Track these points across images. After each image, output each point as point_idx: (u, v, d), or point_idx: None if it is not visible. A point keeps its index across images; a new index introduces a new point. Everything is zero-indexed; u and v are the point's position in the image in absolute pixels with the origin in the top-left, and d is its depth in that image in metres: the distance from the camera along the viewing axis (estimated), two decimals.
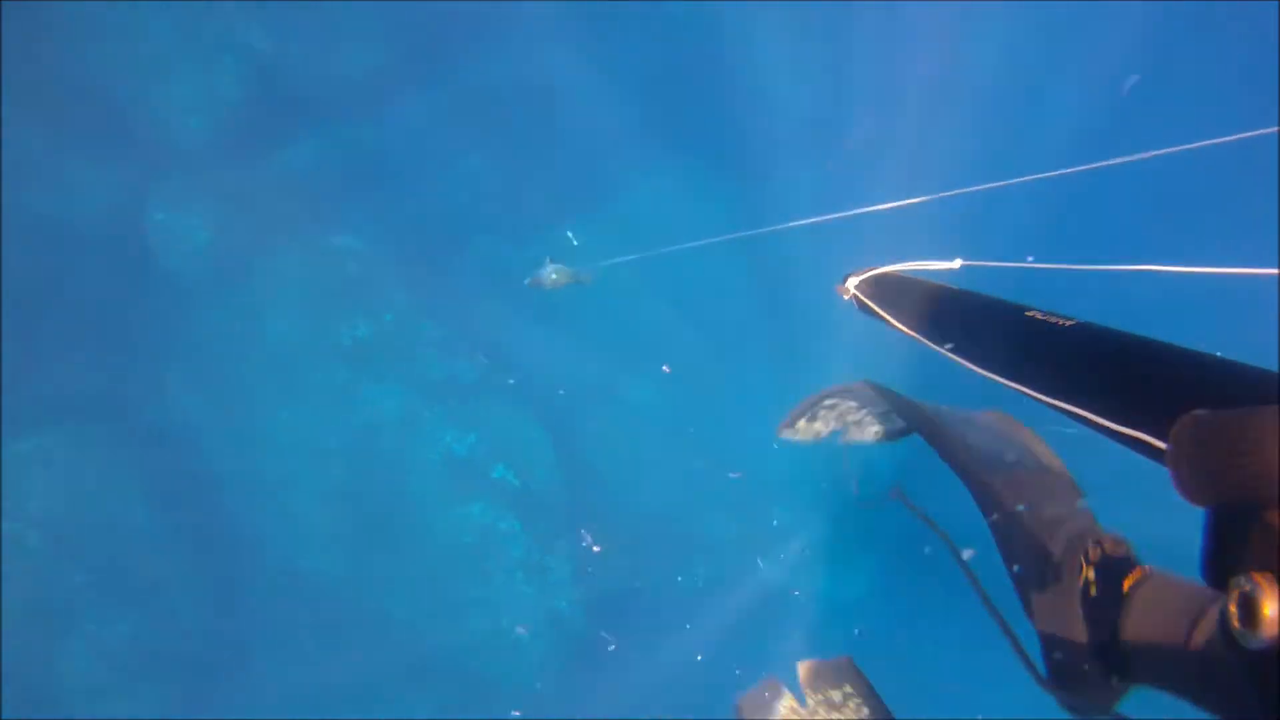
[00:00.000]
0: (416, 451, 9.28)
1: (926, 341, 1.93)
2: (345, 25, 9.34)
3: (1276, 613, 0.80)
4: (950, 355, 1.80)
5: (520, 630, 8.93)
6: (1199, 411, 0.97)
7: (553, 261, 5.65)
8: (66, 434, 8.72)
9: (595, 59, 9.34)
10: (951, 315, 1.89)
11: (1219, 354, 1.24)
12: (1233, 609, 0.84)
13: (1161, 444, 1.11)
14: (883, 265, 2.41)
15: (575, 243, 9.33)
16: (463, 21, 9.46)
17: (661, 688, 8.29)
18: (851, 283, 2.43)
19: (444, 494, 9.23)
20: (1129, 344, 1.38)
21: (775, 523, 9.17)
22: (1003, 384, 1.58)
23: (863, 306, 2.39)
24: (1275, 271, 1.39)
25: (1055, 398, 1.41)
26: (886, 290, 2.29)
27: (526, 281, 5.66)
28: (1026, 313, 1.64)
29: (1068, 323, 1.54)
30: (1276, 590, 0.81)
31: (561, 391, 9.35)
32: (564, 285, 5.63)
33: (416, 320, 9.35)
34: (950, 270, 2.26)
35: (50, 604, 8.41)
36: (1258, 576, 0.82)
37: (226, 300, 9.14)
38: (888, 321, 2.20)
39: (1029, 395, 1.50)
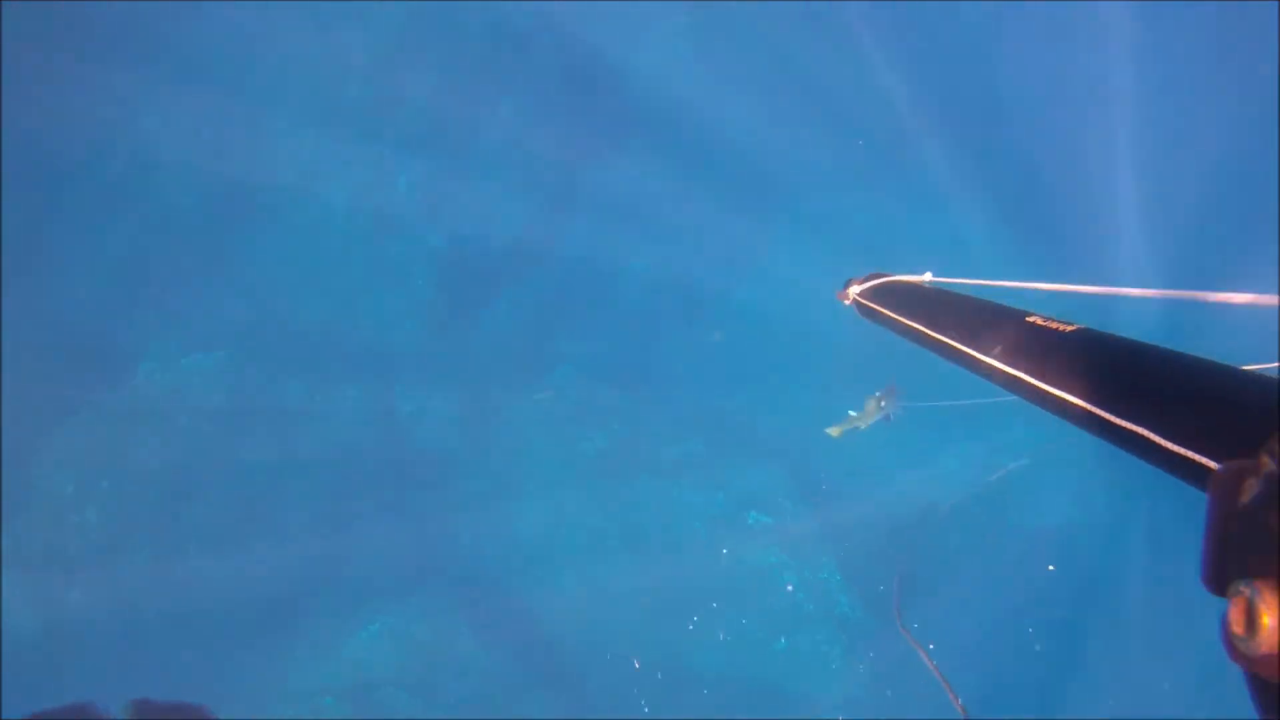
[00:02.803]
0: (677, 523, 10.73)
1: (927, 345, 1.96)
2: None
3: (1277, 620, 0.77)
4: (950, 360, 1.83)
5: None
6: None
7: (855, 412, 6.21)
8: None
9: None
10: (952, 320, 1.90)
11: (1218, 358, 1.24)
12: (1233, 615, 0.81)
13: (1161, 440, 1.14)
14: (881, 271, 2.48)
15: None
16: None
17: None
18: (853, 289, 2.46)
19: (714, 549, 10.65)
20: (1129, 349, 1.39)
21: None
22: (1002, 387, 1.61)
23: (863, 312, 2.41)
24: (1252, 298, 1.40)
25: (1054, 402, 1.43)
26: (886, 296, 2.31)
27: (830, 430, 6.32)
28: (1027, 318, 1.66)
29: (1068, 328, 1.55)
30: (1277, 597, 0.78)
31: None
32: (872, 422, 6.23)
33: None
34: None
35: None
36: (1259, 582, 0.80)
37: (482, 465, 10.64)
38: (889, 326, 2.22)
39: (1030, 400, 1.52)
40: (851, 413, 6.45)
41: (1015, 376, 1.55)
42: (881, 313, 2.27)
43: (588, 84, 11.15)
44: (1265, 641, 0.78)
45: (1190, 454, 1.10)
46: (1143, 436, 1.19)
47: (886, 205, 11.99)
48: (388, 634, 10.25)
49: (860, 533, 10.86)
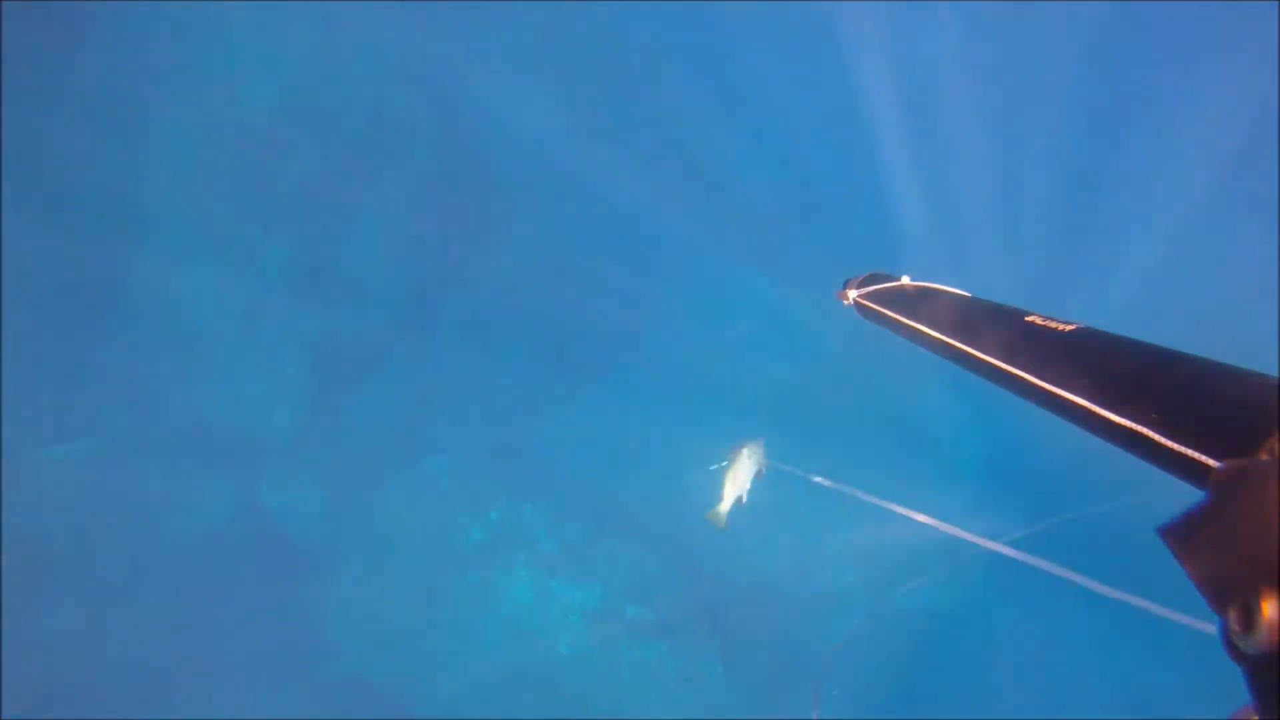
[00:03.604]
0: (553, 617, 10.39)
1: (927, 345, 1.98)
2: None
3: (1276, 618, 0.78)
4: (950, 359, 1.85)
5: None
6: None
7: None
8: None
9: None
10: (952, 319, 1.90)
11: (1219, 357, 1.24)
12: (1232, 613, 0.82)
13: (1161, 439, 1.15)
14: (880, 271, 2.51)
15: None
16: None
17: None
18: (852, 290, 2.48)
19: (591, 646, 10.31)
20: (1129, 348, 1.39)
21: None
22: (1002, 387, 1.63)
23: (863, 312, 2.44)
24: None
25: (1054, 402, 1.43)
26: (885, 296, 2.33)
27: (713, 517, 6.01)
28: (1026, 318, 1.67)
29: (1068, 327, 1.55)
30: (1275, 596, 0.79)
31: None
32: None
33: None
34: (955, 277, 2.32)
35: None
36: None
37: (354, 554, 10.28)
38: (888, 326, 2.24)
39: (1029, 399, 1.54)
40: (720, 465, 5.91)
41: (1015, 375, 1.56)
42: (881, 313, 2.28)
43: (466, 168, 11.02)
44: (1264, 640, 0.79)
45: (1191, 453, 1.10)
46: (1143, 435, 1.20)
47: (757, 280, 11.93)
48: None
49: (745, 621, 10.58)
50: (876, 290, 2.39)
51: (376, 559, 10.35)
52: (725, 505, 6.07)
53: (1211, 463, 1.06)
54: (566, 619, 10.38)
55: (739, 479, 5.90)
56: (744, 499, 6.06)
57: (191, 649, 10.03)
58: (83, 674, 9.86)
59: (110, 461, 10.18)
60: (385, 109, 10.92)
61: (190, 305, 10.52)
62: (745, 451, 5.78)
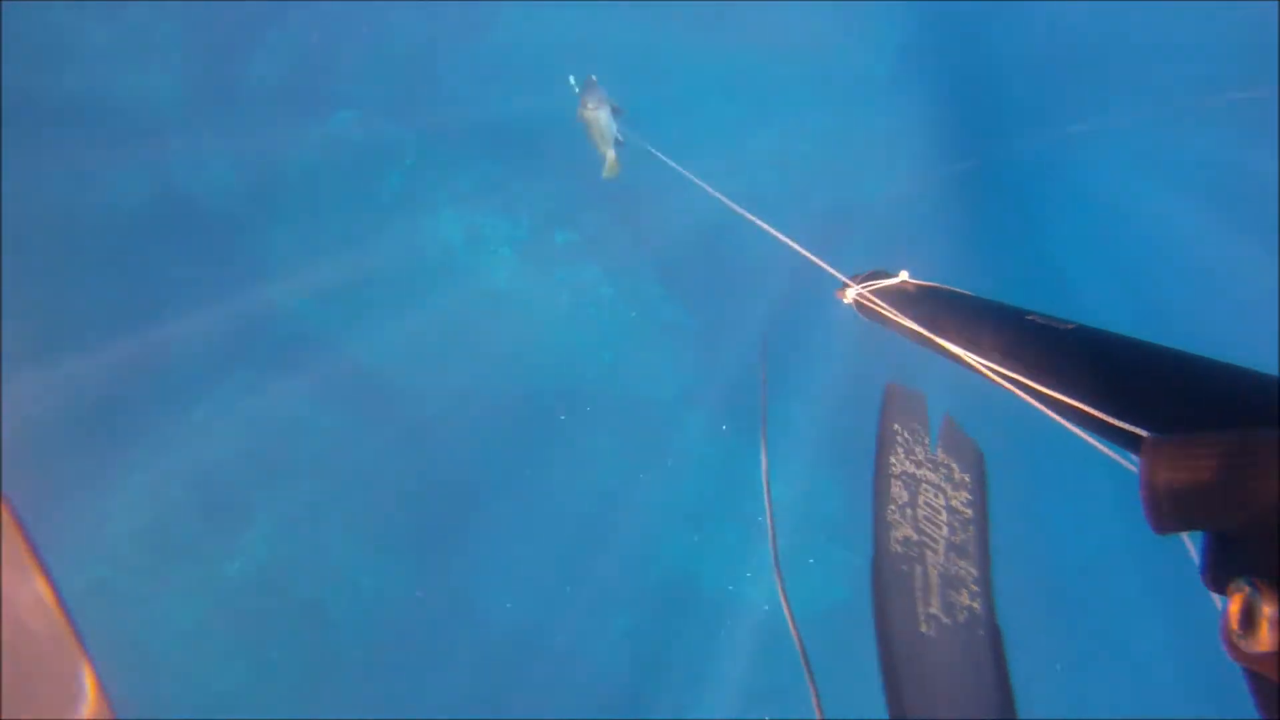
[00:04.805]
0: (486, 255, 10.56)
1: (926, 345, 1.96)
2: None
3: (1276, 618, 0.78)
4: (950, 359, 1.84)
5: None
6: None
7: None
8: None
9: None
10: (952, 318, 1.91)
11: (1218, 357, 1.25)
12: (1232, 613, 0.82)
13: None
14: (882, 270, 2.48)
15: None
16: None
17: None
18: (851, 289, 2.46)
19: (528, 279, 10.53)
20: (1128, 347, 1.39)
21: None
22: (1002, 386, 1.61)
23: (863, 311, 2.42)
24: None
25: (1054, 402, 1.43)
26: (885, 294, 2.32)
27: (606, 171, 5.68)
28: (1026, 316, 1.67)
29: (1067, 326, 1.55)
30: (1276, 596, 0.79)
31: None
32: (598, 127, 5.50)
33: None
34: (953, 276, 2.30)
35: None
36: (1259, 582, 0.81)
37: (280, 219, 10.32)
38: (888, 325, 2.23)
39: (1028, 399, 1.53)
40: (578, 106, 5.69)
41: (1015, 375, 1.55)
42: (881, 311, 2.27)
43: None
44: (1264, 639, 0.79)
45: None
46: (1143, 436, 1.17)
47: None
48: (220, 412, 10.16)
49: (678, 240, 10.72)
50: (876, 289, 2.36)
51: (305, 220, 10.39)
52: (609, 154, 5.86)
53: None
54: (499, 254, 10.56)
55: (600, 127, 5.66)
56: (620, 138, 5.85)
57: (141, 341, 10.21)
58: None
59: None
60: None
61: None
62: (588, 103, 5.53)
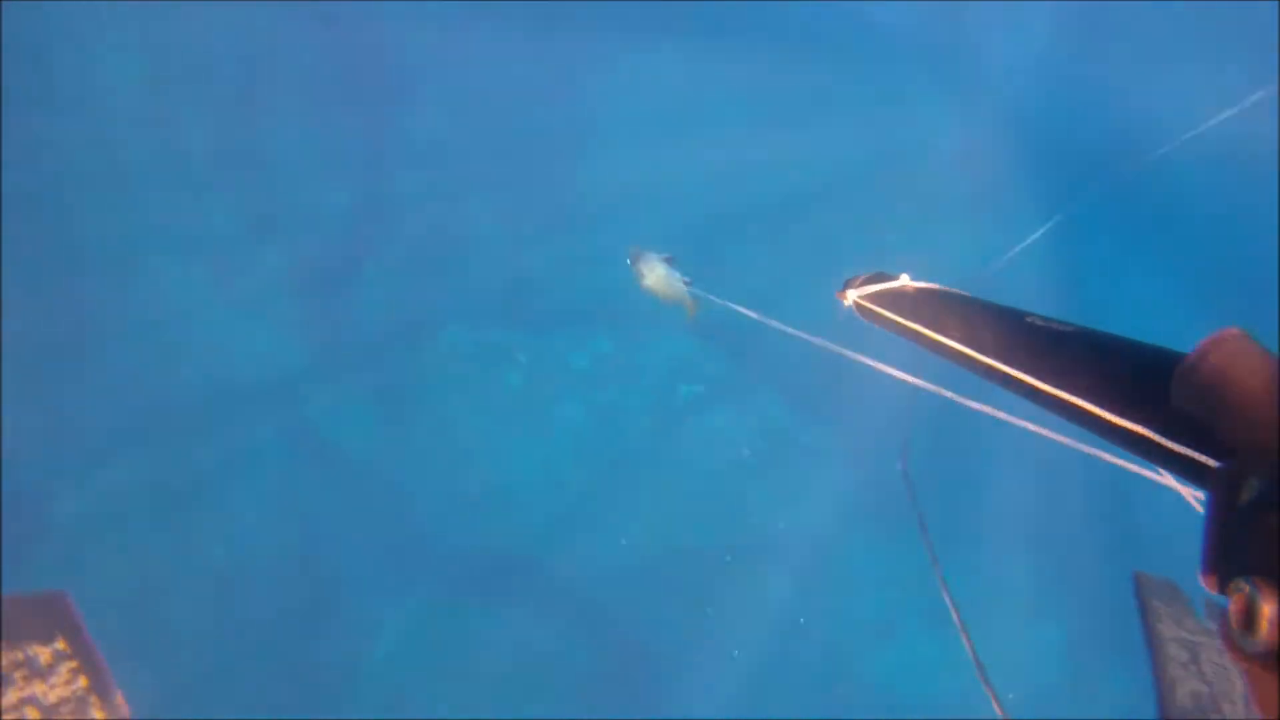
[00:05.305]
0: None
1: (927, 346, 1.97)
2: None
3: (1276, 616, 0.79)
4: (950, 360, 1.85)
5: None
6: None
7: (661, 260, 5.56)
8: None
9: None
10: (952, 320, 1.91)
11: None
12: (1233, 611, 0.83)
13: (1161, 440, 1.18)
14: (882, 272, 2.49)
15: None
16: None
17: None
18: (851, 291, 2.47)
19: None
20: (1128, 348, 1.40)
21: None
22: (1003, 387, 1.62)
23: (863, 313, 2.43)
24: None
25: (1055, 402, 1.44)
26: (886, 296, 2.33)
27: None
28: (1026, 318, 1.68)
29: (1067, 328, 1.56)
30: (1276, 594, 0.80)
31: None
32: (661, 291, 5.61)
33: None
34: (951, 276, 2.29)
35: None
36: (1259, 580, 0.81)
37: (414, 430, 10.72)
38: (888, 327, 2.24)
39: (1029, 399, 1.54)
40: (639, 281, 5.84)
41: (1015, 377, 1.56)
42: (881, 314, 2.29)
43: None
44: (1264, 638, 0.80)
45: (1190, 453, 1.11)
46: (1143, 436, 1.21)
47: None
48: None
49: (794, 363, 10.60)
50: (876, 291, 2.37)
51: (435, 430, 10.71)
52: (686, 302, 5.83)
53: (1211, 463, 1.05)
54: (639, 424, 10.62)
55: (662, 288, 5.65)
56: (685, 281, 5.80)
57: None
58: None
59: None
60: None
61: None
62: (642, 273, 5.54)
